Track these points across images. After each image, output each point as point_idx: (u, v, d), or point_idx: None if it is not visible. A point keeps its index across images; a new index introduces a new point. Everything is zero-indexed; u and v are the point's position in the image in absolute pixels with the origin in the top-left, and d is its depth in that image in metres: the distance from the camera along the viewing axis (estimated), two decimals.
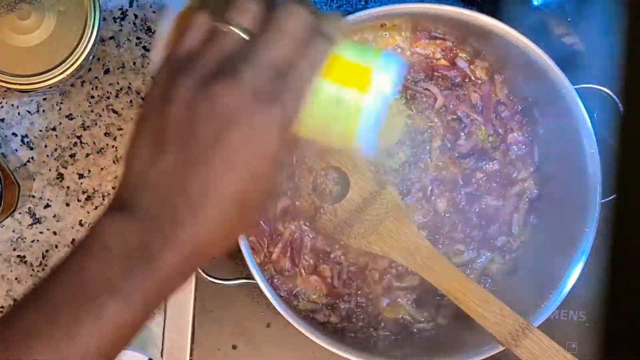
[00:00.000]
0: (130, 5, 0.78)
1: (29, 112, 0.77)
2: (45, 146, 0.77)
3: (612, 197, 0.74)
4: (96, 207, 0.78)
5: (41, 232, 0.78)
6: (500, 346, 0.72)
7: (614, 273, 0.61)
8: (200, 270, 0.73)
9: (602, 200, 0.74)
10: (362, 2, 0.81)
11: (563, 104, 0.74)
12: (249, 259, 0.72)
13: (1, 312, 0.77)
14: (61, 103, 0.77)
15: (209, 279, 0.74)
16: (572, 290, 0.74)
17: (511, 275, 0.80)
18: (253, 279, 0.72)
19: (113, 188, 0.78)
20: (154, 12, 0.78)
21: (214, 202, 0.50)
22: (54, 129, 0.77)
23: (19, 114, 0.77)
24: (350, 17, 0.73)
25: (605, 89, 0.77)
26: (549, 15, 0.81)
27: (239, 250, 0.71)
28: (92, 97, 0.78)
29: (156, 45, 0.54)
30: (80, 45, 0.70)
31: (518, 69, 0.76)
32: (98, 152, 0.78)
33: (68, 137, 0.78)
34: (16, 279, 0.78)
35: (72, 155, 0.78)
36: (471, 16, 0.74)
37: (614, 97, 0.76)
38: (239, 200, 0.51)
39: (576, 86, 0.74)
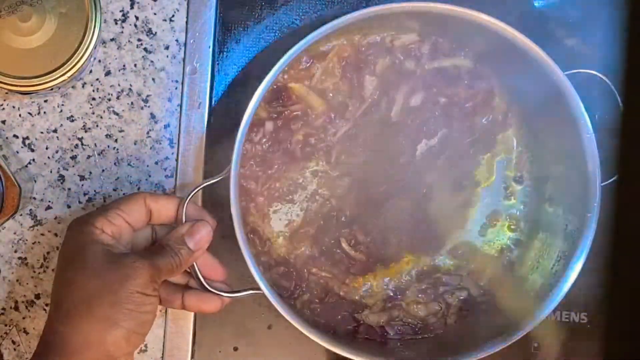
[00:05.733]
0: (131, 7, 0.78)
1: (30, 113, 0.77)
2: (47, 148, 0.77)
3: (612, 179, 0.73)
4: (97, 209, 0.78)
5: (42, 234, 0.78)
6: (504, 342, 0.72)
7: (615, 275, 0.61)
8: (203, 282, 0.72)
9: (603, 184, 0.73)
10: (363, 4, 0.81)
11: (558, 95, 0.74)
12: (253, 269, 0.71)
13: (2, 313, 0.77)
14: (62, 105, 0.77)
15: (217, 292, 0.72)
16: (573, 291, 0.74)
17: (511, 275, 0.80)
18: (259, 289, 0.71)
19: (114, 190, 0.78)
20: (154, 13, 0.78)
21: None
22: (55, 131, 0.77)
23: (20, 115, 0.77)
24: (348, 16, 0.72)
25: (603, 77, 0.76)
26: (551, 16, 0.81)
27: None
28: (93, 98, 0.78)
29: None
30: (81, 47, 0.70)
31: (511, 59, 0.76)
32: (99, 154, 0.78)
33: (69, 139, 0.77)
34: (17, 280, 0.77)
35: (73, 157, 0.78)
36: (473, 15, 0.74)
37: (613, 87, 0.76)
38: None
39: (567, 72, 0.73)
